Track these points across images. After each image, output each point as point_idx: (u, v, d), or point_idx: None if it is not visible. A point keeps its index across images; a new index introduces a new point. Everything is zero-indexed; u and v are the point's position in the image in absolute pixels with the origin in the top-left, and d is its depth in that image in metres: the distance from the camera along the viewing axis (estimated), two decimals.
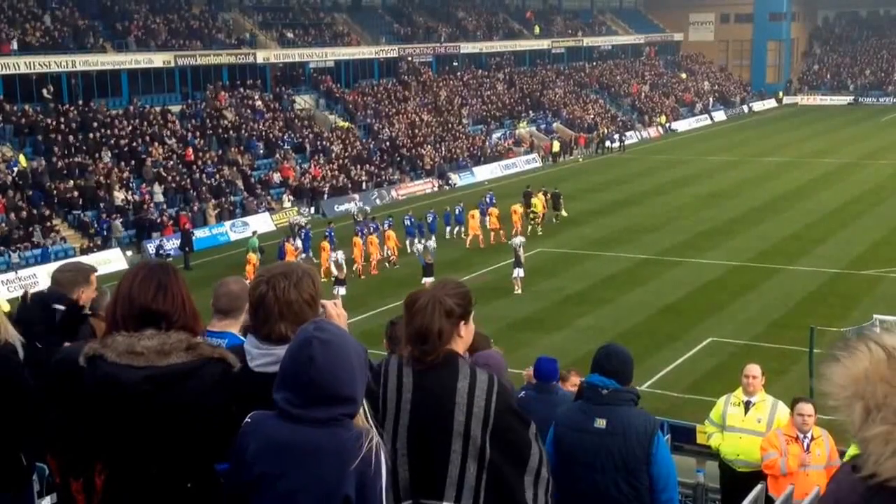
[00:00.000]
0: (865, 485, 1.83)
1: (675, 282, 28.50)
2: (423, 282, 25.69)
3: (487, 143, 56.88)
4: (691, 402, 18.42)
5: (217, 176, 41.88)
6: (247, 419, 2.71)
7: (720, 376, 19.46)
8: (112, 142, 40.68)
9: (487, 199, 38.18)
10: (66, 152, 38.78)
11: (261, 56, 52.09)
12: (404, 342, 3.42)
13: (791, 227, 35.70)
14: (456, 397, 3.28)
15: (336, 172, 46.05)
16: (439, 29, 67.12)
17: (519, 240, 28.62)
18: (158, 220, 36.93)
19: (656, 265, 30.76)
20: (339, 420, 2.58)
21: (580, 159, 58.35)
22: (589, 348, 20.61)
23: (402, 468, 3.33)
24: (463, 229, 35.96)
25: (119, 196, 37.49)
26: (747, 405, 8.97)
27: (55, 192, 36.30)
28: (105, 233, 35.41)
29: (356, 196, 44.42)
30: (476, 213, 35.10)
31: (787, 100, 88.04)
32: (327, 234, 33.31)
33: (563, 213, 38.82)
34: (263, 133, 47.40)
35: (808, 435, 8.18)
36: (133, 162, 40.20)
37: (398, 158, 50.46)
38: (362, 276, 30.68)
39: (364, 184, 46.19)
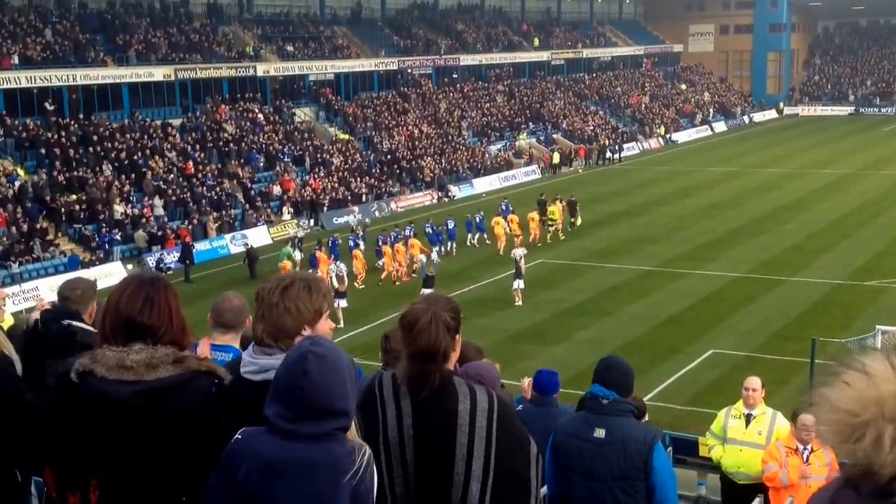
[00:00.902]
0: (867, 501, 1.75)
1: (677, 293, 28.42)
2: (421, 292, 25.65)
3: (487, 156, 56.93)
4: (693, 414, 18.33)
5: (217, 189, 41.91)
6: (237, 435, 2.67)
7: (722, 388, 19.37)
8: (113, 155, 40.72)
9: (503, 207, 38.60)
10: (66, 166, 38.81)
11: (261, 69, 52.21)
12: (403, 362, 3.34)
13: (793, 238, 35.64)
14: (458, 419, 3.23)
15: (336, 185, 46.07)
16: (439, 41, 67.29)
17: (520, 251, 28.56)
18: (159, 233, 36.92)
19: (657, 277, 30.69)
20: (333, 435, 2.56)
21: (580, 171, 58.38)
22: (589, 360, 20.52)
23: (407, 491, 3.29)
24: (485, 236, 36.74)
25: (119, 209, 37.49)
26: (748, 418, 8.93)
27: (55, 205, 36.30)
28: (107, 246, 35.39)
29: (356, 208, 44.44)
30: (500, 220, 35.81)
31: (787, 110, 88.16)
32: (352, 241, 34.02)
33: (578, 220, 39.46)
34: (263, 146, 47.45)
35: (808, 447, 8.13)
36: (133, 175, 40.22)
37: (398, 171, 50.49)
38: (380, 283, 30.94)
39: (364, 196, 46.21)
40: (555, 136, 64.95)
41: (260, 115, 50.05)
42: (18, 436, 3.95)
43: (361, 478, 2.53)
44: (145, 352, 3.01)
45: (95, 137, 41.12)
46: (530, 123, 65.24)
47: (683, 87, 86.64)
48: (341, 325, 25.45)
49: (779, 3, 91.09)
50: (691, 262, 32.48)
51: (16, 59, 41.71)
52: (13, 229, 33.88)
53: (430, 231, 35.63)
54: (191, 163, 42.70)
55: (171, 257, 35.27)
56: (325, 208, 43.92)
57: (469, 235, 37.00)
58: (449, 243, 35.78)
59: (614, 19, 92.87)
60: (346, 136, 52.47)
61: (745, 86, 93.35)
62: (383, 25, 67.02)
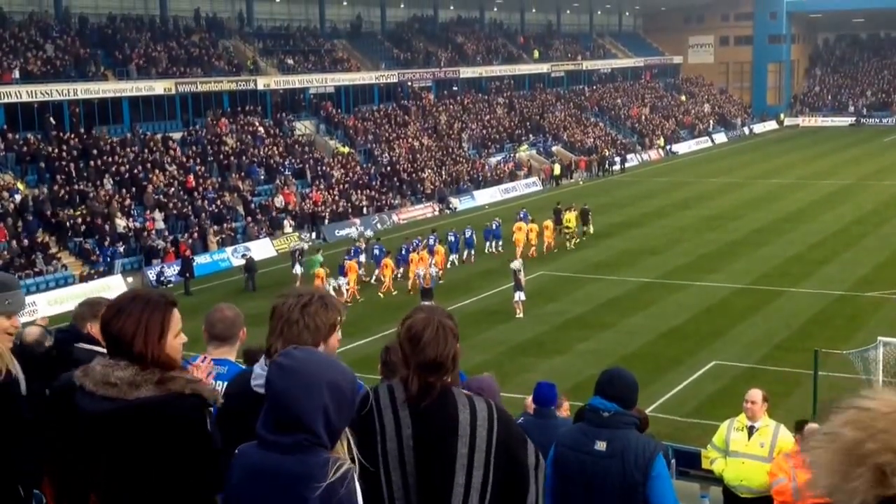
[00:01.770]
0: None
1: (678, 305, 28.36)
2: (419, 305, 25.59)
3: (487, 167, 56.99)
4: (696, 426, 18.25)
5: (218, 202, 41.92)
6: (236, 450, 2.72)
7: (725, 400, 19.28)
8: (113, 169, 40.76)
9: (521, 215, 39.06)
10: (67, 180, 38.84)
11: (261, 82, 52.31)
12: (410, 372, 3.28)
13: (794, 249, 35.58)
14: (458, 429, 3.20)
15: (337, 197, 46.09)
16: (439, 54, 67.47)
17: (517, 263, 28.50)
18: (160, 247, 36.91)
19: (658, 288, 30.63)
20: (305, 447, 2.55)
21: (580, 182, 58.40)
22: (591, 372, 20.50)
23: (408, 503, 3.25)
24: (500, 243, 37.43)
25: (120, 223, 37.49)
26: (750, 430, 8.85)
27: (56, 219, 36.30)
28: (108, 259, 35.38)
29: (357, 221, 44.44)
30: (522, 225, 36.40)
31: (788, 121, 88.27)
32: (377, 249, 34.23)
33: (591, 228, 39.91)
34: (264, 159, 47.49)
35: None
36: (134, 189, 40.24)
37: (398, 183, 50.51)
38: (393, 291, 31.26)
39: (365, 208, 46.22)
40: (555, 147, 65.03)
41: (260, 129, 50.12)
42: (21, 452, 3.96)
43: (334, 491, 2.50)
44: (130, 369, 2.98)
45: (96, 151, 41.16)
46: (530, 135, 65.33)
47: (683, 98, 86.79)
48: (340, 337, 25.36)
49: (778, 14, 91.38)
50: (692, 274, 32.41)
51: (17, 74, 41.81)
52: (14, 243, 33.86)
53: (453, 239, 36.21)
54: (191, 176, 42.73)
55: (172, 271, 35.27)
56: (326, 221, 43.93)
57: (487, 243, 37.64)
58: (466, 251, 36.40)
59: (614, 31, 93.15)
60: (347, 149, 52.52)
61: (745, 97, 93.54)
62: (383, 38, 67.20)
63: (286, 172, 47.06)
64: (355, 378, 2.70)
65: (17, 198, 36.69)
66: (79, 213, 37.13)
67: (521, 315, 27.67)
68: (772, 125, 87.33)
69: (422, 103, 62.17)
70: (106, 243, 36.07)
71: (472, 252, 36.57)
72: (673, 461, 12.24)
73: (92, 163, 40.47)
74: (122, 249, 36.17)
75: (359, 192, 47.44)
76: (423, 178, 51.58)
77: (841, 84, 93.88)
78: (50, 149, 40.27)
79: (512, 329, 26.48)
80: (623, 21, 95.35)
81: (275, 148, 49.02)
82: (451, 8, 75.37)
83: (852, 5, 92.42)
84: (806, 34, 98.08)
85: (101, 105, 44.90)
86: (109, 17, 51.41)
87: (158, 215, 39.11)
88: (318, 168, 48.78)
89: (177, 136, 46.30)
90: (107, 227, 36.88)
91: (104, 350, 4.93)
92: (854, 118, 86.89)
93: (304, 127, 53.74)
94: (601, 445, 4.53)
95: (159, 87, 46.96)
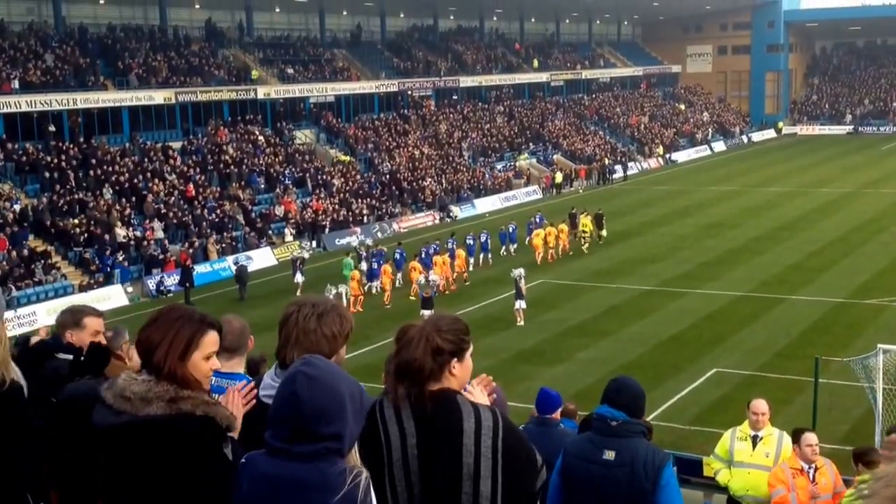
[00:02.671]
0: None
1: (679, 313, 28.36)
2: (421, 314, 25.60)
3: (487, 176, 57.07)
4: (697, 433, 18.24)
5: (218, 211, 41.94)
6: (242, 459, 2.71)
7: (726, 407, 19.29)
8: (113, 178, 40.78)
9: (537, 219, 39.76)
10: (67, 190, 38.85)
11: (261, 92, 52.40)
12: (390, 376, 3.33)
13: (793, 257, 35.62)
14: (463, 438, 3.19)
15: (337, 206, 46.12)
16: (438, 63, 67.61)
17: (519, 271, 28.51)
18: (160, 256, 36.91)
19: (658, 296, 30.64)
20: (324, 455, 2.55)
21: (580, 191, 58.46)
22: (592, 380, 20.56)
23: None
24: (515, 247, 38.28)
25: (120, 233, 37.49)
26: (754, 440, 8.80)
27: (56, 229, 36.31)
28: (108, 269, 35.36)
29: (357, 229, 44.45)
30: (540, 231, 37.13)
31: (786, 130, 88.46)
32: (398, 254, 34.62)
33: (604, 232, 40.47)
34: (264, 168, 47.54)
35: (813, 465, 8.05)
36: (134, 198, 40.26)
37: (398, 192, 50.56)
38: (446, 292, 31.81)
39: (365, 217, 46.25)
40: (554, 156, 65.12)
41: (260, 138, 50.18)
42: (28, 460, 3.95)
43: (352, 499, 2.51)
44: (145, 384, 2.92)
45: (94, 161, 41.20)
46: (530, 144, 65.43)
47: (682, 107, 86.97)
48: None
49: (776, 24, 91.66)
50: (692, 282, 32.43)
51: (16, 84, 41.87)
52: (13, 253, 33.85)
53: (471, 243, 36.73)
54: (191, 185, 42.75)
55: (171, 280, 35.26)
56: (327, 230, 43.95)
57: (503, 247, 38.26)
58: (482, 255, 36.96)
59: (613, 41, 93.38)
60: (347, 158, 52.59)
61: (743, 106, 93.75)
62: (383, 48, 67.36)
63: (286, 181, 47.11)
64: (362, 386, 2.73)
65: (17, 207, 36.71)
66: (78, 222, 37.12)
67: (522, 323, 27.68)
68: (770, 134, 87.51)
69: (422, 112, 62.28)
70: (106, 253, 36.06)
71: (489, 255, 37.15)
72: (675, 469, 12.27)
73: (91, 172, 40.49)
74: (121, 259, 36.16)
75: (359, 200, 47.48)
76: (424, 186, 51.63)
77: (838, 92, 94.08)
78: (49, 158, 40.30)
79: (513, 337, 26.47)
80: (622, 30, 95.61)
81: (275, 157, 49.07)
82: (451, 17, 75.57)
83: (849, 14, 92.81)
84: (803, 43, 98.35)
85: (100, 115, 44.96)
86: (109, 26, 51.51)
87: (158, 224, 39.12)
88: (319, 177, 48.83)
89: (177, 145, 46.35)
90: (106, 236, 36.87)
91: (70, 358, 4.93)
92: (852, 126, 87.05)
93: (304, 136, 53.80)
94: (609, 455, 4.51)
95: (159, 96, 47.02)
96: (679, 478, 12.81)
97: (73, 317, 5.08)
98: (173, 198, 41.55)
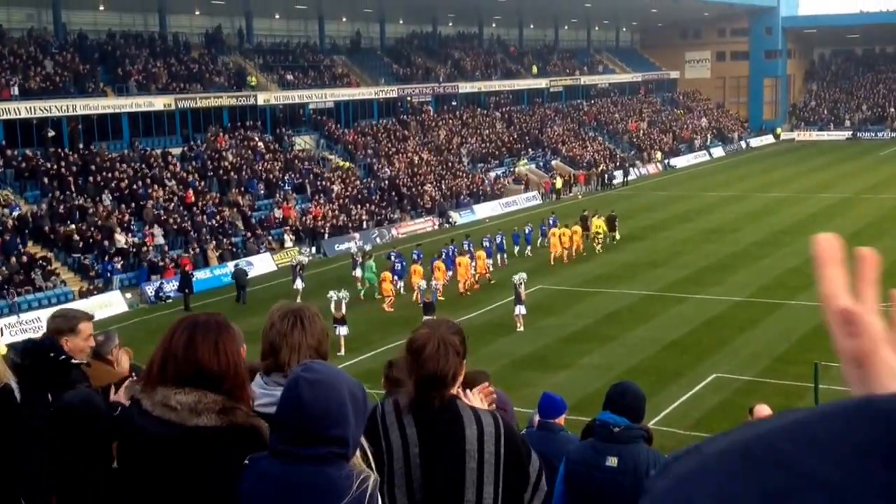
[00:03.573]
0: None
1: (679, 318, 28.38)
2: (423, 320, 25.57)
3: (486, 181, 57.13)
4: (697, 439, 18.16)
5: (217, 217, 41.95)
6: (245, 461, 2.70)
7: (726, 413, 19.30)
8: (113, 185, 40.80)
9: (550, 221, 40.39)
10: (66, 196, 38.87)
11: (261, 98, 52.46)
12: (410, 387, 3.31)
13: (792, 262, 35.60)
14: (466, 445, 3.19)
15: (336, 212, 46.15)
16: (438, 69, 67.71)
17: (519, 277, 28.52)
18: (160, 263, 36.90)
19: (659, 301, 30.65)
20: (329, 459, 2.55)
21: (580, 196, 58.51)
22: (593, 386, 20.54)
23: None
24: (529, 248, 39.25)
25: (120, 239, 37.49)
26: None
27: (55, 235, 36.32)
28: (108, 275, 35.37)
29: (356, 235, 44.46)
30: (555, 231, 37.88)
31: (784, 136, 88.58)
32: (415, 255, 34.84)
33: (617, 234, 41.08)
34: (263, 174, 47.57)
35: None
36: (134, 204, 40.28)
37: (398, 198, 50.59)
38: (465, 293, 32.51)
39: (364, 223, 46.27)
40: (553, 162, 65.19)
41: (260, 144, 50.22)
42: (28, 460, 3.94)
43: (359, 502, 2.51)
44: (193, 395, 2.86)
45: (94, 167, 41.22)
46: (529, 150, 65.51)
47: (681, 112, 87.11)
48: (342, 352, 25.38)
49: (774, 30, 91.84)
50: (692, 287, 32.45)
51: (16, 90, 41.91)
52: (13, 259, 33.85)
53: (487, 244, 37.10)
54: (191, 191, 42.77)
55: (171, 286, 35.24)
56: (326, 236, 43.97)
57: (517, 247, 38.95)
58: (499, 255, 37.49)
59: (611, 47, 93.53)
60: (346, 164, 52.63)
61: (741, 111, 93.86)
62: (382, 54, 67.45)
63: (286, 187, 47.13)
64: (364, 387, 2.74)
65: (16, 214, 36.71)
66: (78, 228, 37.13)
67: (522, 329, 27.68)
68: (768, 139, 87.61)
69: (421, 118, 62.36)
70: (105, 259, 36.07)
71: (505, 256, 37.72)
72: None
73: (91, 179, 40.51)
74: (120, 265, 36.17)
75: (358, 206, 47.51)
76: (423, 192, 51.67)
77: (837, 98, 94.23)
78: (49, 165, 40.32)
79: (513, 343, 26.48)
80: (620, 37, 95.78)
81: (275, 163, 49.11)
82: (450, 24, 75.71)
83: (847, 21, 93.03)
84: (802, 49, 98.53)
85: (100, 121, 44.99)
86: (109, 33, 51.57)
87: (158, 231, 39.13)
88: (318, 183, 48.87)
89: (176, 151, 46.37)
90: (106, 242, 36.88)
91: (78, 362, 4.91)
92: (850, 132, 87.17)
93: (303, 142, 53.85)
94: (612, 461, 4.52)
95: (159, 102, 47.07)
96: None
97: (67, 322, 5.03)
98: (173, 204, 41.57)
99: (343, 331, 26.43)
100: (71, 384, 4.69)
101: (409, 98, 62.93)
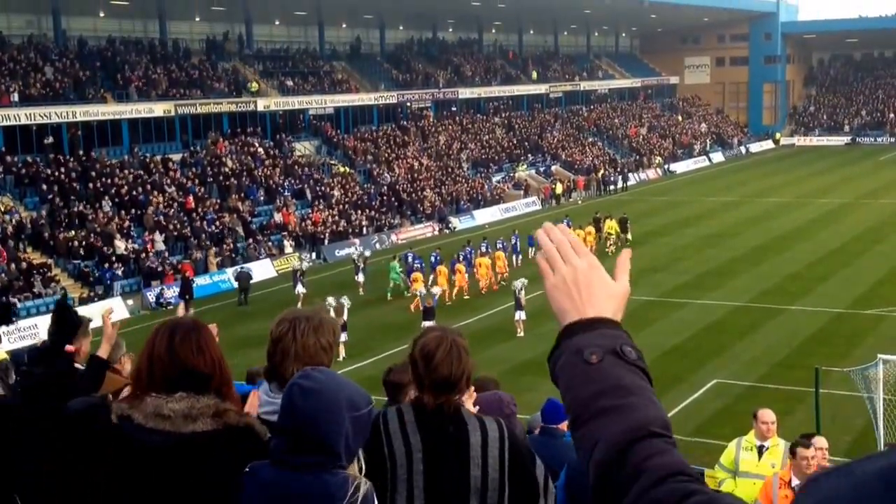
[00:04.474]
0: None
1: (679, 323, 28.36)
2: (422, 325, 25.58)
3: (486, 187, 57.15)
4: (698, 445, 18.18)
5: (217, 223, 41.96)
6: (246, 468, 2.71)
7: (727, 419, 19.27)
8: (113, 191, 40.81)
9: (565, 223, 39.44)
10: (66, 202, 38.88)
11: (261, 104, 52.51)
12: (424, 391, 3.27)
13: (792, 267, 35.63)
14: (470, 451, 3.18)
15: (336, 218, 46.16)
16: (437, 75, 67.78)
17: (520, 282, 28.49)
18: (160, 269, 36.89)
19: (659, 307, 30.62)
20: (324, 466, 2.56)
21: (579, 202, 58.52)
22: None
23: None
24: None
25: (120, 245, 37.49)
26: (760, 450, 8.76)
27: (54, 241, 36.31)
28: (108, 281, 35.36)
29: (356, 241, 44.46)
30: (580, 232, 38.16)
31: (784, 141, 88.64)
32: (434, 257, 35.27)
33: (629, 235, 41.59)
34: (263, 180, 47.59)
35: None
36: (134, 210, 40.29)
37: (398, 203, 50.61)
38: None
39: (364, 229, 46.28)
40: (553, 167, 65.22)
41: (260, 150, 50.25)
42: (28, 460, 3.94)
43: None
44: (185, 401, 2.84)
45: (94, 173, 41.24)
46: (529, 155, 65.55)
47: (680, 118, 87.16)
48: (341, 357, 25.34)
49: (773, 35, 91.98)
50: (693, 292, 32.43)
51: (16, 97, 41.94)
52: (13, 266, 33.84)
53: (501, 246, 37.73)
54: (191, 197, 42.78)
55: (171, 292, 35.23)
56: (326, 241, 43.98)
57: (531, 249, 38.76)
58: (514, 257, 38.10)
59: (611, 52, 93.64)
60: (346, 170, 52.66)
61: (741, 117, 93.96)
62: (382, 60, 67.53)
63: (286, 193, 47.15)
64: (370, 397, 2.72)
65: (16, 220, 36.71)
66: (77, 234, 37.13)
67: (522, 334, 27.66)
68: (768, 144, 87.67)
69: (421, 124, 62.40)
70: (105, 265, 36.06)
71: (520, 258, 38.21)
72: None
73: (91, 185, 40.52)
74: (121, 271, 36.16)
75: (358, 212, 47.53)
76: (423, 198, 51.69)
77: (836, 104, 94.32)
78: (49, 171, 40.34)
79: (513, 348, 26.45)
80: (620, 42, 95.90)
81: (274, 169, 49.14)
82: (450, 30, 75.80)
83: (846, 26, 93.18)
84: (801, 55, 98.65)
85: (100, 127, 45.02)
86: (109, 39, 51.62)
87: (158, 237, 39.13)
88: (318, 188, 48.89)
89: (176, 157, 46.40)
90: (106, 248, 36.88)
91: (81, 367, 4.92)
92: (850, 137, 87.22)
93: (303, 147, 53.88)
94: None
95: (159, 108, 47.11)
96: None
97: (86, 328, 5.07)
98: (173, 210, 41.58)
99: (343, 336, 26.39)
100: (78, 391, 4.71)
101: (408, 104, 62.97)
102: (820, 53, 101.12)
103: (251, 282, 35.74)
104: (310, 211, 46.38)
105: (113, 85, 47.63)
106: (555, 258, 1.68)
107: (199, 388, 2.88)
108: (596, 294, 1.65)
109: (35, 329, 29.71)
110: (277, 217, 44.55)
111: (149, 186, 42.44)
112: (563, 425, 6.83)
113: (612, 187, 62.68)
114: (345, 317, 27.21)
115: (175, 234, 39.87)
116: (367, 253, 41.99)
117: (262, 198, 46.32)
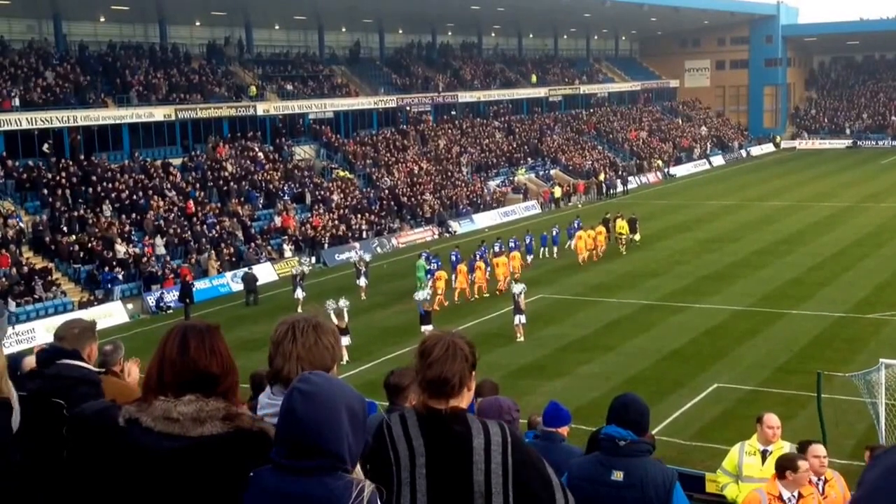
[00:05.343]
0: None
1: (679, 327, 28.31)
2: (422, 330, 25.56)
3: (486, 191, 57.16)
4: (699, 449, 18.17)
5: (217, 227, 41.96)
6: (250, 474, 2.69)
7: (727, 423, 19.23)
8: (113, 195, 40.82)
9: (576, 224, 42.13)
10: (67, 206, 38.87)
11: (261, 108, 52.54)
12: (419, 391, 3.26)
13: (794, 271, 35.58)
14: (473, 456, 3.14)
15: (336, 222, 46.16)
16: (437, 79, 67.81)
17: (519, 287, 28.47)
18: (160, 273, 36.88)
19: (659, 311, 30.58)
20: (326, 470, 2.54)
21: (579, 205, 58.52)
22: (592, 396, 20.52)
23: None
24: (556, 249, 40.99)
25: (120, 249, 37.48)
26: (763, 454, 8.70)
27: (55, 245, 36.31)
28: (109, 286, 35.33)
29: (356, 245, 44.46)
30: (582, 233, 39.31)
31: (784, 144, 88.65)
32: (453, 256, 35.93)
33: (638, 236, 42.13)
34: (263, 184, 47.60)
35: (822, 478, 7.96)
36: (134, 215, 40.30)
37: (397, 207, 50.60)
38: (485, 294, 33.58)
39: (364, 232, 46.28)
40: (553, 171, 65.22)
41: (260, 154, 50.27)
42: (18, 452, 3.92)
43: None
44: (194, 404, 2.81)
45: (94, 178, 41.25)
46: (529, 159, 65.56)
47: (680, 121, 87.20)
48: (345, 361, 25.30)
49: (773, 38, 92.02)
50: (693, 296, 32.39)
51: (17, 102, 41.97)
52: (14, 270, 33.82)
53: (513, 245, 38.39)
54: (191, 202, 42.79)
55: (171, 296, 35.23)
56: (326, 245, 43.98)
57: (543, 248, 40.83)
58: (528, 257, 38.95)
59: (610, 56, 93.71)
60: (346, 174, 52.67)
61: (741, 120, 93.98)
62: (382, 64, 67.58)
63: (285, 197, 47.16)
64: (365, 399, 2.71)
65: (17, 224, 36.70)
66: (78, 239, 37.12)
67: (522, 338, 27.62)
68: (769, 148, 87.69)
69: (420, 128, 62.42)
70: (105, 269, 36.04)
71: (531, 257, 39.04)
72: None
73: (92, 189, 40.53)
74: (121, 275, 36.13)
75: (358, 216, 47.52)
76: (423, 201, 51.68)
77: (837, 106, 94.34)
78: (49, 176, 40.35)
79: (512, 352, 26.41)
80: (620, 46, 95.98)
81: (274, 173, 49.15)
82: (450, 34, 75.85)
83: (847, 29, 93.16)
84: (801, 57, 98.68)
85: (100, 132, 45.05)
86: (110, 44, 51.69)
87: (158, 241, 39.12)
88: (318, 192, 48.90)
89: (177, 161, 46.42)
90: (107, 253, 36.86)
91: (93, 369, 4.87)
92: (851, 140, 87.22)
93: (303, 152, 53.90)
94: (618, 475, 4.44)
95: (159, 113, 47.15)
96: None
97: (93, 331, 5.00)
98: (173, 214, 41.59)
99: (345, 340, 26.32)
100: (87, 396, 4.67)
101: (408, 108, 63.01)
102: (821, 56, 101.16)
103: (257, 282, 36.07)
104: (310, 215, 46.38)
105: (113, 89, 47.67)
106: None
107: (207, 391, 2.86)
108: None
109: (33, 333, 29.67)
110: (277, 221, 44.58)
111: (149, 191, 42.46)
112: (563, 430, 6.77)
113: (612, 191, 62.66)
114: (346, 320, 27.16)
115: (175, 238, 39.87)
116: (368, 257, 41.98)
117: (261, 202, 46.33)
